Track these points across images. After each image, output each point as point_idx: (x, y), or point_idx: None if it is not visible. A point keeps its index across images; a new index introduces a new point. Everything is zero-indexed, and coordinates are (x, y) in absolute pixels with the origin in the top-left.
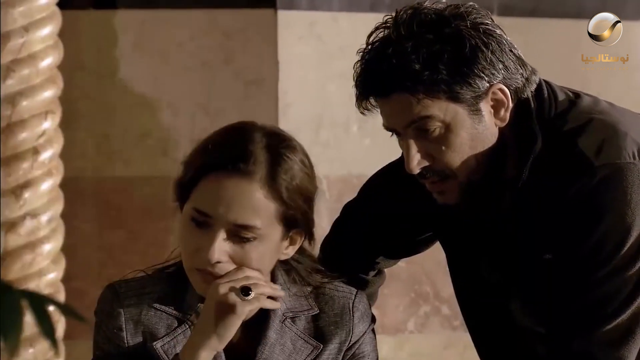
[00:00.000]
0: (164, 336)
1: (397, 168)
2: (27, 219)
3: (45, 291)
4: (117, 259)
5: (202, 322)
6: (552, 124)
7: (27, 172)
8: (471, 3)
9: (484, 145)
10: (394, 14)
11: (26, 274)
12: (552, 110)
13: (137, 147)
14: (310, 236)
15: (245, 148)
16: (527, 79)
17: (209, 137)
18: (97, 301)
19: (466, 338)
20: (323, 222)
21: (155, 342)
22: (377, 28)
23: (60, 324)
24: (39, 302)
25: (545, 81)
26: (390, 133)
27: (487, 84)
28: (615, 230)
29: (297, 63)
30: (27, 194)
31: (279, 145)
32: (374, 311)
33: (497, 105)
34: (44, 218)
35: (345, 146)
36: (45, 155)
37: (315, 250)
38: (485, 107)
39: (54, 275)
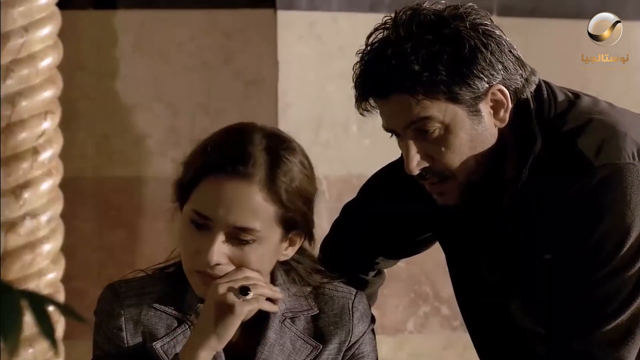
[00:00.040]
0: (163, 336)
1: (396, 168)
2: (27, 219)
3: (45, 291)
4: (117, 259)
5: (202, 322)
6: (551, 124)
7: (26, 172)
8: (470, 4)
9: (484, 146)
10: (393, 15)
11: (26, 274)
12: (552, 111)
13: (137, 147)
14: (310, 237)
15: (245, 150)
16: (526, 80)
17: (208, 138)
18: (97, 301)
19: (466, 338)
20: (323, 222)
21: (155, 342)
22: (376, 29)
23: (59, 324)
24: (38, 302)
25: (544, 82)
26: (390, 134)
27: (487, 85)
28: (615, 231)
29: (297, 63)
30: (26, 194)
31: (279, 147)
32: (374, 311)
33: (496, 106)
34: (43, 218)
35: (345, 146)
36: (45, 155)
37: (315, 251)
38: (485, 107)
39: (54, 275)
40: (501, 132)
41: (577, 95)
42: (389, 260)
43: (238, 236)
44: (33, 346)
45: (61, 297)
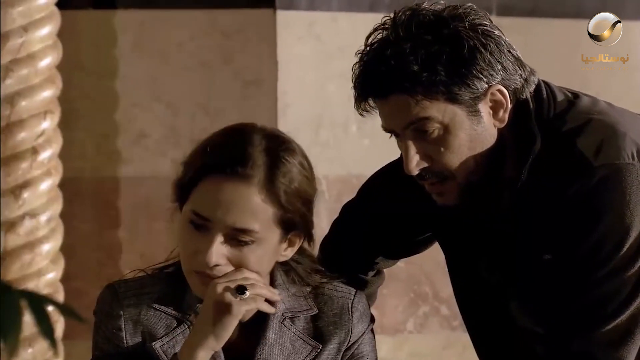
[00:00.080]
0: (163, 336)
1: (396, 168)
2: (26, 219)
3: (44, 291)
4: (116, 259)
5: (200, 322)
6: (551, 124)
7: (26, 172)
8: (470, 4)
9: (483, 146)
10: (392, 15)
11: (25, 274)
12: (551, 111)
13: (137, 147)
14: (309, 238)
15: (244, 151)
16: (525, 80)
17: (208, 138)
18: (96, 301)
19: (465, 338)
20: (322, 222)
21: (154, 342)
22: (375, 29)
23: (59, 324)
24: (38, 302)
25: (544, 82)
26: (389, 134)
27: (486, 85)
28: (614, 231)
29: (297, 63)
30: (26, 194)
31: (278, 148)
32: (373, 311)
33: (495, 106)
34: (43, 218)
35: (345, 146)
36: (44, 155)
37: (315, 250)
38: (484, 108)
39: (53, 275)
40: (500, 132)
41: (576, 95)
42: (388, 260)
43: (237, 237)
44: (32, 346)
45: (60, 297)
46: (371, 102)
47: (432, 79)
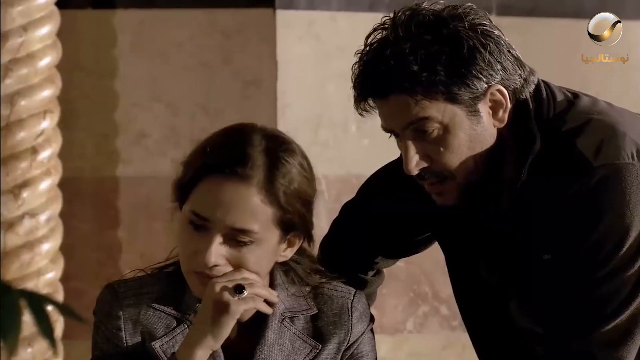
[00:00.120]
0: (162, 336)
1: (395, 168)
2: (26, 219)
3: (44, 291)
4: (116, 258)
5: (199, 321)
6: (550, 124)
7: (25, 172)
8: (469, 4)
9: (483, 146)
10: (392, 15)
11: (25, 274)
12: (551, 111)
13: (136, 146)
14: (309, 238)
15: (244, 151)
16: (525, 80)
17: (208, 138)
18: (96, 301)
19: (465, 338)
20: (322, 222)
21: (154, 342)
22: (375, 29)
23: (58, 324)
24: (37, 302)
25: (543, 82)
26: (389, 134)
27: (485, 85)
28: (614, 231)
29: (296, 63)
30: (25, 194)
31: (278, 148)
32: (373, 311)
33: (495, 106)
34: (42, 217)
35: (344, 146)
36: (44, 154)
37: (314, 250)
38: (484, 108)
39: (53, 274)
40: (500, 132)
41: (576, 95)
42: (388, 260)
43: (236, 237)
44: (32, 346)
45: (60, 296)
46: (371, 102)
47: (432, 79)
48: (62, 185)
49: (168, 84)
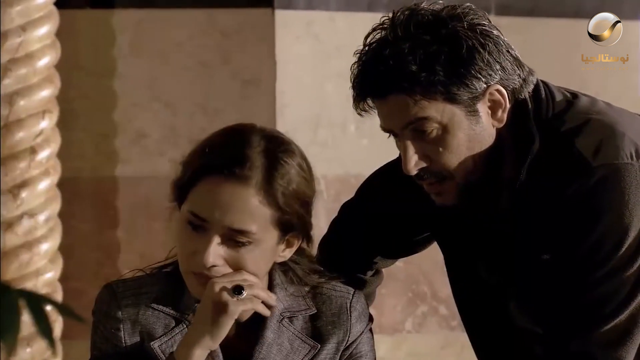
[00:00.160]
0: (161, 336)
1: (394, 168)
2: (25, 219)
3: (43, 291)
4: (115, 258)
5: (197, 321)
6: (549, 124)
7: (24, 172)
8: (468, 4)
9: (482, 146)
10: (391, 15)
11: (23, 274)
12: (550, 111)
13: (135, 146)
14: (307, 239)
15: (242, 152)
16: (524, 80)
17: (207, 138)
18: (95, 301)
19: (464, 338)
20: (321, 222)
21: (152, 342)
22: (374, 29)
23: (57, 324)
24: (36, 302)
25: (542, 81)
26: (388, 134)
27: (484, 85)
28: (613, 231)
29: (295, 63)
30: (24, 194)
31: (277, 149)
32: (372, 311)
33: (494, 106)
34: (41, 217)
35: (343, 146)
36: (43, 154)
37: (313, 250)
38: (483, 108)
39: (52, 274)
40: (499, 132)
41: (575, 95)
42: (387, 260)
43: (234, 238)
44: (31, 345)
45: (59, 296)
46: (370, 102)
47: (431, 79)
48: (61, 185)
49: (167, 83)
